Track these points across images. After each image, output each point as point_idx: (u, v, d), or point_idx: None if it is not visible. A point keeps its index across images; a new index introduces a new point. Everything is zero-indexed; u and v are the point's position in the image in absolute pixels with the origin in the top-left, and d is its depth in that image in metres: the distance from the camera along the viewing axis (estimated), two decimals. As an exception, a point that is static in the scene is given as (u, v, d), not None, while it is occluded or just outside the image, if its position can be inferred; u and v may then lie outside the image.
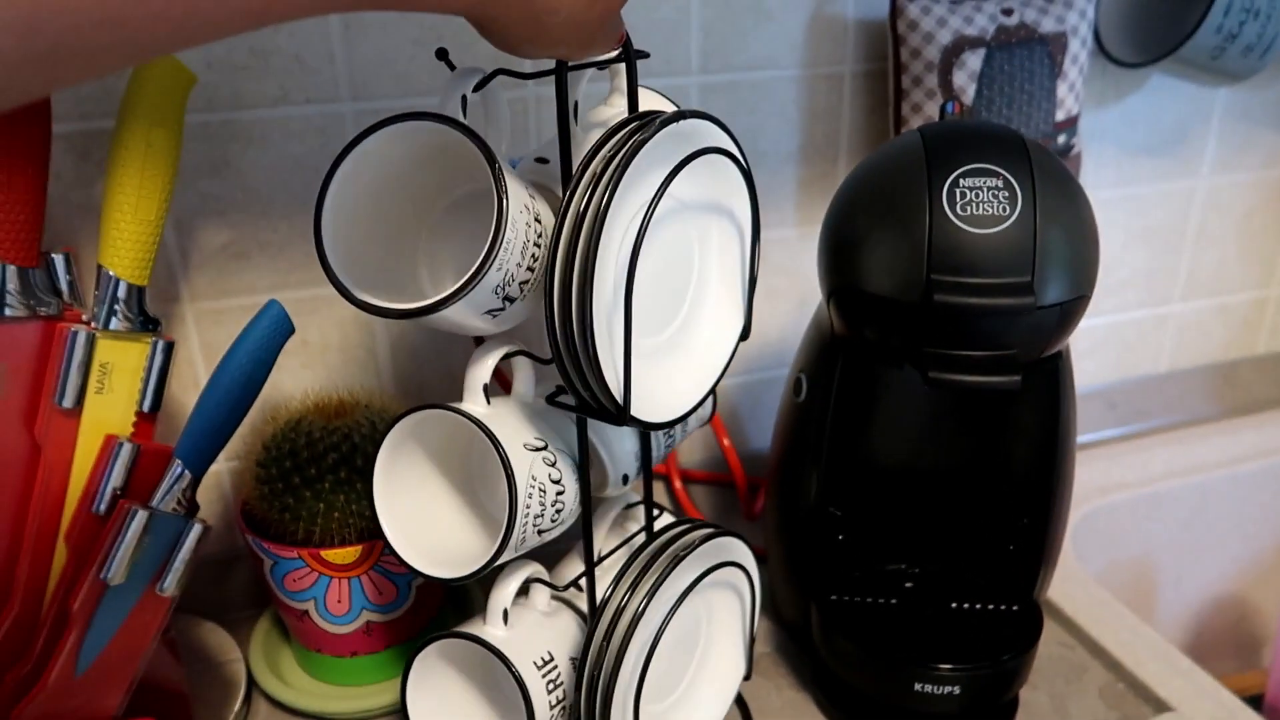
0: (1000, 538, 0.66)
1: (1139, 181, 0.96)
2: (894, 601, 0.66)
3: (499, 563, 0.51)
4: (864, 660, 0.62)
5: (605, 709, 0.53)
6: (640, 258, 0.46)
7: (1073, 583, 0.77)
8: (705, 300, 0.54)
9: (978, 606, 0.65)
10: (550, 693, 0.56)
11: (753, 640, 0.64)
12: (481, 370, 0.52)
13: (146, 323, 0.61)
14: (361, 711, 0.66)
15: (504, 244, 0.44)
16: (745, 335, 0.54)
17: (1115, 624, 0.73)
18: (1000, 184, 0.52)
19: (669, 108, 0.53)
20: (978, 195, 0.52)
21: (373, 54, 0.69)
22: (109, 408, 0.60)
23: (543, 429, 0.54)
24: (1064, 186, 0.54)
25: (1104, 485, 0.92)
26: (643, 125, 0.46)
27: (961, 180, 0.52)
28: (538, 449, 0.52)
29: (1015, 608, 0.65)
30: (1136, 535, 0.94)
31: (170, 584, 0.59)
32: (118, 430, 0.60)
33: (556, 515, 0.53)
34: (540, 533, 0.53)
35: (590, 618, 0.57)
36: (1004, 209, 0.52)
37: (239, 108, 0.67)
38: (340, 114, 0.69)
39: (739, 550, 0.61)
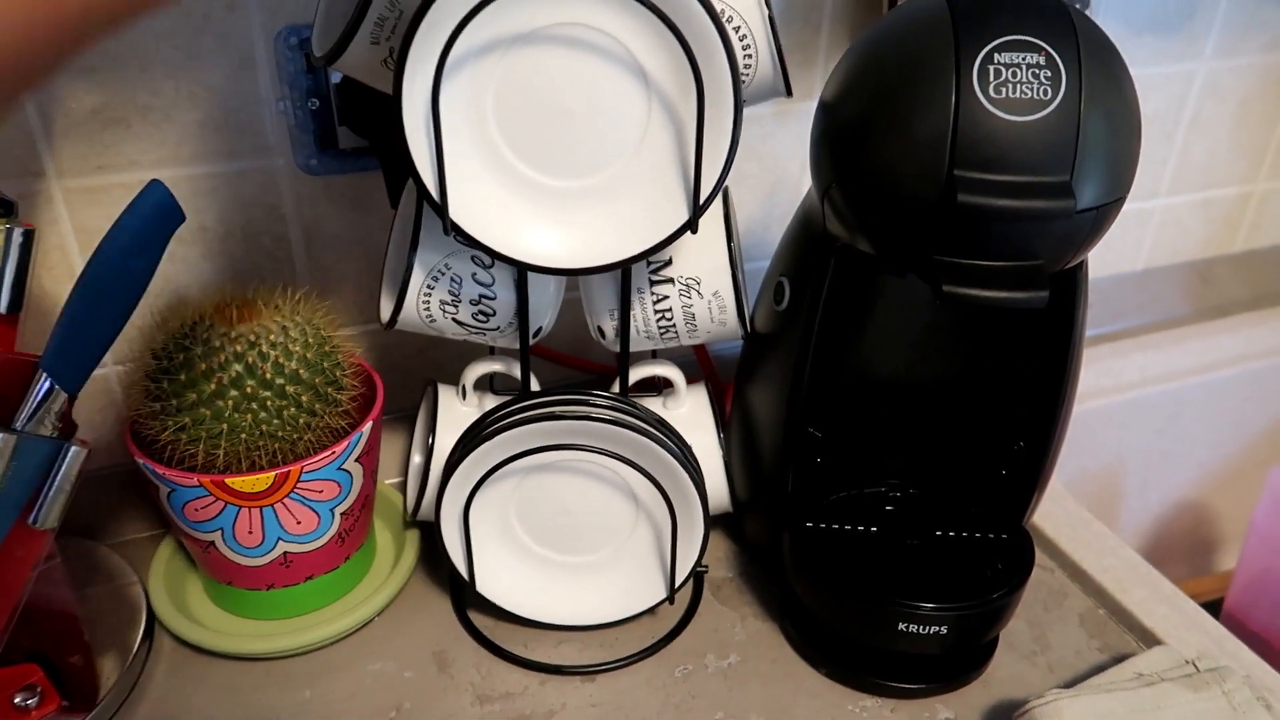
0: (992, 462, 0.61)
1: (1139, 63, 0.88)
2: (874, 529, 0.60)
3: (399, 325, 0.57)
4: (843, 599, 0.56)
5: (444, 482, 0.56)
6: (500, 81, 0.47)
7: (1051, 500, 0.72)
8: (646, 171, 0.50)
9: (964, 535, 0.60)
10: None
11: (674, 572, 0.60)
12: None
13: (-3, 206, 0.50)
14: (282, 650, 0.58)
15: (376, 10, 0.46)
16: (690, 228, 0.50)
17: (1097, 546, 0.68)
18: (1043, 61, 0.43)
19: None
20: (1015, 74, 0.43)
21: (272, -127, 0.56)
22: (-46, 309, 0.50)
23: None
24: (1111, 65, 0.46)
25: (1080, 392, 0.86)
26: None
27: (997, 55, 0.43)
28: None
29: (1004, 536, 0.60)
30: (1108, 442, 0.90)
31: (46, 517, 0.50)
32: (-33, 336, 0.50)
33: (482, 317, 0.57)
34: (458, 323, 0.57)
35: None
36: (1045, 92, 0.43)
37: (105, -65, 0.54)
38: (235, -51, 0.57)
39: (676, 478, 0.56)
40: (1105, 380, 0.90)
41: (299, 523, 0.56)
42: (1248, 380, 0.95)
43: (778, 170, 0.78)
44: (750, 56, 0.51)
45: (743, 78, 0.51)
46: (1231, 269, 1.04)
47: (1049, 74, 0.43)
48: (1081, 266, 0.53)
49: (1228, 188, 1.00)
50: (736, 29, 0.50)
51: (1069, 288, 0.53)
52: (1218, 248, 1.04)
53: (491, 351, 0.63)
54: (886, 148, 0.46)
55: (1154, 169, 0.95)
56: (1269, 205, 1.03)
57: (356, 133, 0.63)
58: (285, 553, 0.57)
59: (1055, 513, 0.72)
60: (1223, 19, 0.89)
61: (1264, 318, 1.01)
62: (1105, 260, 0.98)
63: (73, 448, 0.50)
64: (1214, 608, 0.93)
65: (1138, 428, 0.91)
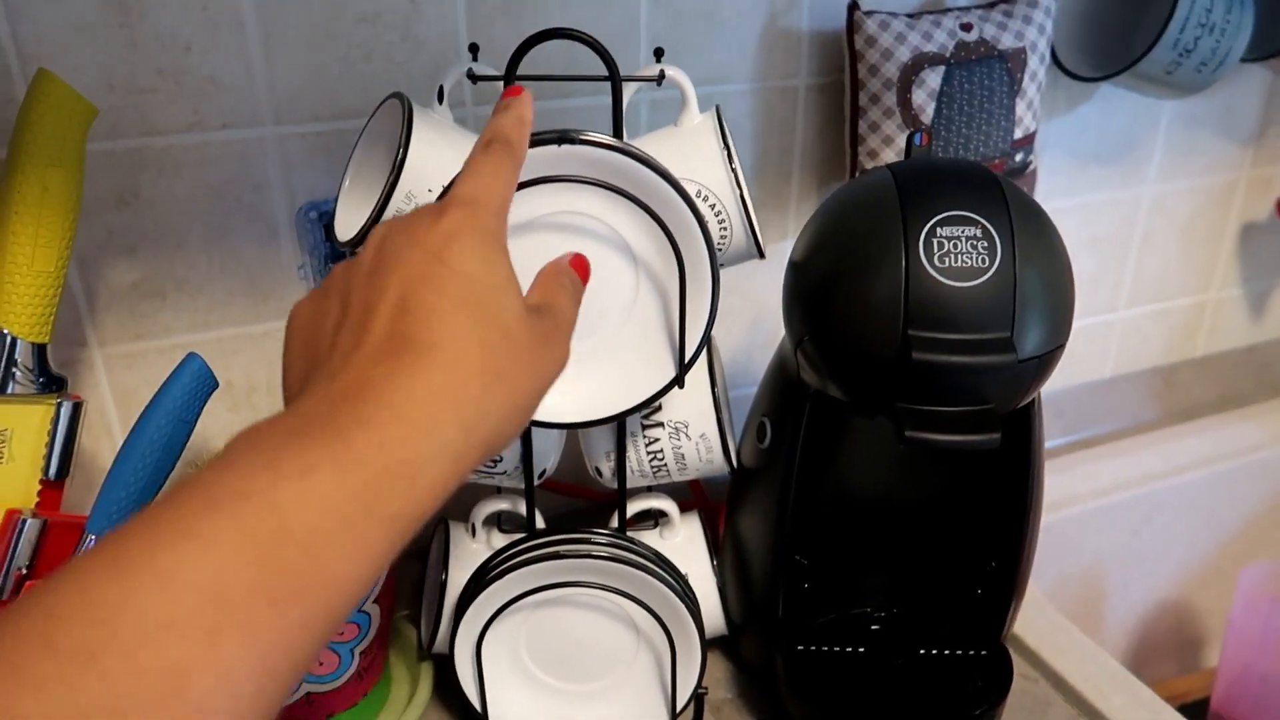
0: (968, 581, 0.65)
1: (1088, 190, 0.95)
2: (861, 650, 0.64)
3: None
4: None
5: (456, 619, 0.60)
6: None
7: (1033, 608, 0.76)
8: (637, 333, 0.55)
9: (946, 652, 0.64)
10: None
11: (674, 697, 0.63)
12: None
13: (50, 383, 0.55)
14: (303, 787, 0.61)
15: (401, 195, 0.52)
16: (678, 384, 0.55)
17: (1078, 654, 0.72)
18: (979, 233, 0.49)
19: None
20: (955, 246, 0.49)
21: (296, 73, 0.63)
22: (10, 477, 0.54)
23: None
24: (1041, 231, 0.52)
25: (1055, 500, 0.91)
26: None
27: (939, 229, 0.50)
28: None
29: (984, 653, 0.63)
30: (1086, 547, 0.94)
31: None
32: (20, 502, 0.55)
33: (490, 463, 0.61)
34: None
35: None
36: (983, 260, 0.49)
37: (148, 134, 0.61)
38: (262, 138, 0.64)
39: (674, 609, 0.60)
40: (1080, 487, 0.94)
41: (322, 664, 0.60)
42: (1217, 481, 0.99)
43: (759, 304, 0.84)
44: (725, 226, 0.57)
45: (719, 248, 0.57)
46: (1194, 373, 1.10)
47: (985, 244, 0.49)
48: (1034, 402, 0.58)
49: (1183, 298, 1.06)
50: (712, 206, 0.56)
51: (1023, 422, 0.58)
52: (1179, 353, 1.10)
53: (499, 491, 0.68)
54: (849, 310, 0.52)
55: (1113, 283, 1.01)
56: (1223, 311, 1.10)
57: (370, 293, 0.69)
58: (309, 693, 0.61)
59: (1037, 622, 0.75)
60: (1162, 147, 0.97)
61: (1227, 420, 1.06)
62: (1075, 370, 1.04)
63: (113, 601, 0.55)
64: (1203, 705, 0.96)
65: (1114, 532, 0.95)
